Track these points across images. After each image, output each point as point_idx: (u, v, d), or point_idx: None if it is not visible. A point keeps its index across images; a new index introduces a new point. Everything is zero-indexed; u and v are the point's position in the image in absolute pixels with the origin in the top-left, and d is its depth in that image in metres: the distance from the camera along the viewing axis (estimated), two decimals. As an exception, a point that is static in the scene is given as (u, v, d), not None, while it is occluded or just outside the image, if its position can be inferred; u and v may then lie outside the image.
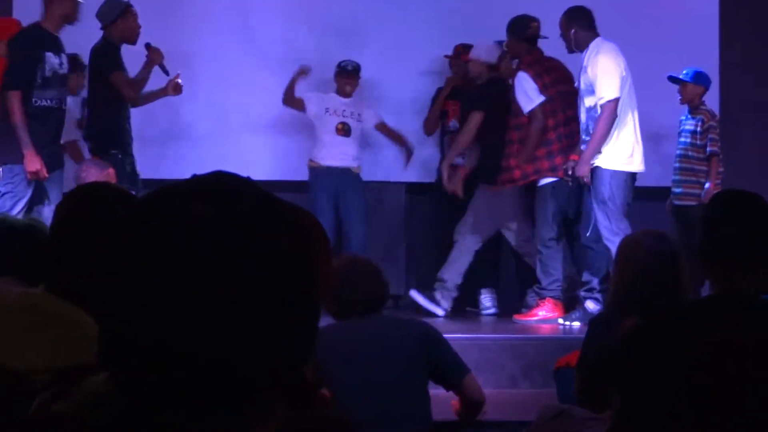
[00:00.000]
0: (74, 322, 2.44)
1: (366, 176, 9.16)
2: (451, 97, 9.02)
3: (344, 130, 8.92)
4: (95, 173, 6.77)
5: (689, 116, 8.37)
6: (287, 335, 1.26)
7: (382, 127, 9.12)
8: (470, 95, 8.68)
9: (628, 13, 9.39)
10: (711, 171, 8.20)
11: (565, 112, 8.04)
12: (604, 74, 7.66)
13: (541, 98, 8.00)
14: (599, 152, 7.65)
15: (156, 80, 8.07)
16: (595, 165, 7.68)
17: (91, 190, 2.79)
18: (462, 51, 8.93)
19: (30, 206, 7.23)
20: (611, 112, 7.61)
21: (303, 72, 8.88)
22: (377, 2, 9.60)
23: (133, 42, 8.01)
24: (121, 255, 1.26)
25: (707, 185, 8.10)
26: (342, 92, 9.00)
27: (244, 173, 1.33)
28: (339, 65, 8.98)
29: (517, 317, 8.29)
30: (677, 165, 8.36)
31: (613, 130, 7.66)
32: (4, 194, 7.18)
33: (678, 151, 8.37)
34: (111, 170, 7.10)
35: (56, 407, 1.35)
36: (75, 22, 7.53)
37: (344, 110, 8.94)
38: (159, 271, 1.23)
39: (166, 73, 8.11)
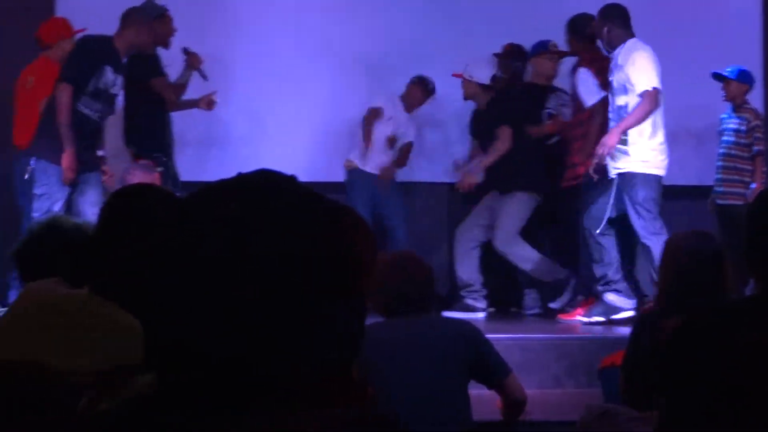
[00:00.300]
0: (118, 323, 2.45)
1: (409, 177, 9.15)
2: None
3: (391, 143, 8.87)
4: (140, 176, 6.81)
5: (733, 115, 8.30)
6: (330, 331, 1.26)
7: (406, 148, 9.02)
8: (500, 107, 8.62)
9: (669, 10, 9.32)
10: (756, 170, 8.12)
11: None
12: (643, 68, 7.55)
13: (602, 93, 7.95)
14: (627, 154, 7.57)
15: (196, 85, 8.15)
16: (627, 170, 7.59)
17: (135, 192, 2.81)
18: (511, 50, 8.86)
19: (68, 207, 7.29)
20: (653, 99, 7.51)
21: (377, 115, 8.78)
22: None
23: (167, 46, 8.08)
24: (150, 255, 1.27)
25: (753, 185, 8.02)
26: (410, 104, 8.95)
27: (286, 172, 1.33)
28: (422, 80, 8.92)
29: (561, 317, 8.27)
30: (720, 164, 8.28)
31: (650, 133, 7.59)
32: (40, 196, 7.23)
33: (721, 150, 8.28)
34: (157, 174, 7.14)
35: (102, 406, 1.35)
36: (145, 49, 7.65)
37: (401, 123, 8.90)
38: (182, 270, 1.23)
39: (205, 77, 8.19)
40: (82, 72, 7.23)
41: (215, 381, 1.24)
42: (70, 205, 7.35)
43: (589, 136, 8.01)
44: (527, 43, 8.73)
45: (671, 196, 8.59)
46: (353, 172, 8.80)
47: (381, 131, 8.80)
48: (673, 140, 8.30)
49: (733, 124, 8.27)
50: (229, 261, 1.22)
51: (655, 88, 7.54)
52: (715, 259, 4.21)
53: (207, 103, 8.20)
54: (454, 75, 8.71)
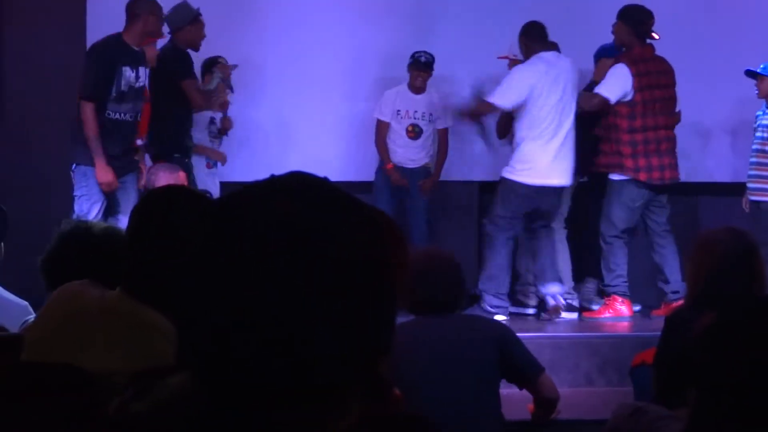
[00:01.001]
0: (151, 324, 2.47)
1: (441, 175, 9.13)
2: None
3: (414, 132, 8.81)
4: (165, 176, 6.83)
5: (766, 111, 8.27)
6: (361, 333, 1.27)
7: (443, 135, 8.96)
8: None
9: (702, 8, 9.27)
10: None
11: (656, 116, 8.04)
12: (505, 80, 8.04)
13: (614, 98, 8.02)
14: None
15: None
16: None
17: (164, 193, 2.82)
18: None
19: (107, 210, 7.33)
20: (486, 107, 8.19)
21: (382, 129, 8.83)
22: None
23: (197, 49, 8.11)
24: (183, 257, 1.27)
25: None
26: (413, 86, 8.81)
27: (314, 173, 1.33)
28: (413, 56, 8.78)
29: (586, 315, 8.26)
30: (753, 160, 8.26)
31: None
32: (80, 197, 7.28)
33: (754, 146, 8.27)
34: (182, 173, 7.16)
35: (135, 408, 1.36)
36: (158, 38, 7.65)
37: (416, 111, 8.81)
38: (216, 271, 1.24)
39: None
40: (99, 83, 7.24)
41: (247, 381, 1.24)
42: (110, 207, 7.39)
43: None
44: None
45: (707, 192, 8.59)
46: (382, 169, 8.80)
47: (400, 125, 8.80)
48: (707, 137, 8.31)
49: (766, 120, 8.24)
50: (263, 262, 1.23)
51: (491, 103, 8.05)
52: (747, 255, 4.18)
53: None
54: (499, 57, 8.69)
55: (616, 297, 8.10)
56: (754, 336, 2.44)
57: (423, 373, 4.24)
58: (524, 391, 4.58)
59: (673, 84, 8.18)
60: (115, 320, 2.50)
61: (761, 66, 8.27)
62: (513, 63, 8.50)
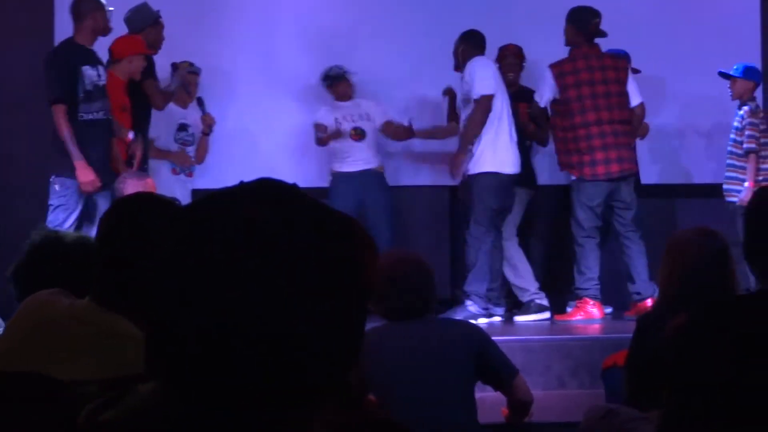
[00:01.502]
0: (120, 332, 2.46)
1: (410, 180, 9.14)
2: (518, 99, 8.81)
3: (358, 134, 8.88)
4: (133, 184, 6.81)
5: (737, 112, 8.35)
6: (333, 338, 1.26)
7: (389, 126, 9.02)
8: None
9: (678, 10, 9.31)
10: (749, 169, 8.15)
11: (598, 111, 8.07)
12: (475, 77, 8.03)
13: (543, 101, 8.23)
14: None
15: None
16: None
17: (132, 201, 2.81)
18: (516, 50, 8.96)
19: (80, 223, 7.29)
20: (485, 105, 8.02)
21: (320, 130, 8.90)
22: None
23: (157, 51, 8.12)
24: (153, 263, 1.27)
25: (746, 183, 8.05)
26: (340, 96, 9.00)
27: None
28: (327, 75, 8.98)
29: (558, 318, 8.30)
30: (726, 161, 8.35)
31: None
32: (56, 207, 7.25)
33: (728, 148, 8.36)
34: (150, 180, 7.14)
35: (104, 417, 1.35)
36: (107, 34, 7.62)
37: (352, 114, 8.92)
38: (185, 277, 1.24)
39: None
40: (64, 85, 7.22)
41: (215, 387, 1.24)
42: (90, 214, 7.35)
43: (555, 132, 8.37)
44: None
45: (684, 194, 8.64)
46: (336, 176, 8.84)
47: (341, 137, 8.86)
48: (684, 138, 8.37)
49: (736, 121, 8.32)
50: (234, 267, 1.23)
51: (483, 95, 8.00)
52: (718, 255, 4.20)
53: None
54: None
55: (588, 300, 8.13)
56: (725, 334, 2.44)
57: (398, 377, 4.24)
58: (498, 394, 4.58)
59: (623, 80, 8.21)
60: (85, 329, 2.49)
61: (734, 68, 8.34)
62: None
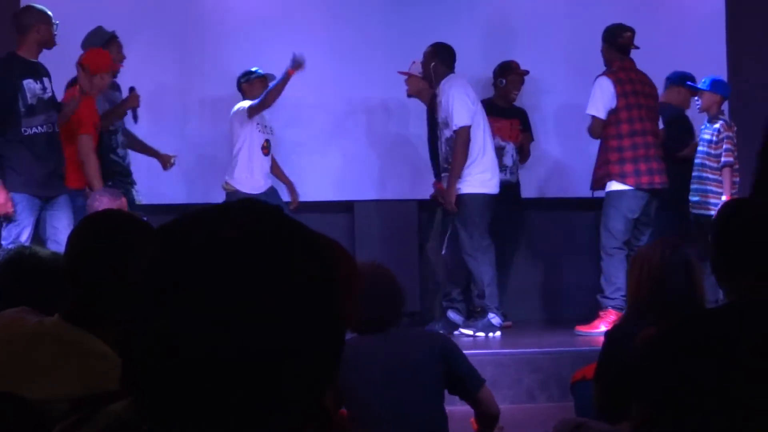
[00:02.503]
0: (90, 350, 2.44)
1: (376, 194, 9.15)
2: (495, 114, 8.89)
3: (267, 148, 8.71)
4: (107, 202, 6.79)
5: (707, 125, 8.41)
6: (310, 360, 1.27)
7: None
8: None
9: (640, 20, 9.38)
10: (725, 182, 8.20)
11: (642, 122, 8.17)
12: (456, 106, 8.17)
13: (602, 113, 8.23)
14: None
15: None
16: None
17: (102, 218, 2.80)
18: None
19: (36, 234, 7.26)
20: (465, 136, 8.17)
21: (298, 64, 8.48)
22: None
23: (115, 74, 8.07)
24: (146, 279, 1.26)
25: (724, 197, 8.08)
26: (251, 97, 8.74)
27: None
28: (250, 74, 8.84)
29: (579, 329, 8.31)
30: (695, 173, 8.38)
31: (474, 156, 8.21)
32: (7, 224, 7.21)
33: (696, 160, 8.40)
34: (124, 199, 7.12)
35: (76, 435, 1.35)
36: (52, 47, 7.57)
37: (266, 125, 8.73)
38: (186, 293, 1.24)
39: (135, 119, 8.22)
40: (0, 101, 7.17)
41: (189, 407, 1.24)
42: (43, 230, 7.33)
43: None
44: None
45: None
46: (231, 195, 8.50)
47: (257, 142, 8.64)
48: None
49: (707, 134, 8.37)
50: (212, 287, 1.22)
51: (462, 127, 8.15)
52: (684, 267, 4.22)
53: (167, 162, 8.50)
54: (399, 72, 8.78)
55: (612, 311, 8.12)
56: (694, 348, 2.46)
57: (370, 390, 4.23)
58: (468, 407, 4.59)
59: (656, 96, 8.36)
60: (54, 347, 2.47)
61: (702, 81, 8.42)
62: (410, 79, 8.67)
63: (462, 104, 8.19)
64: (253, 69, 8.80)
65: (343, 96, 9.27)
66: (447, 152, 8.31)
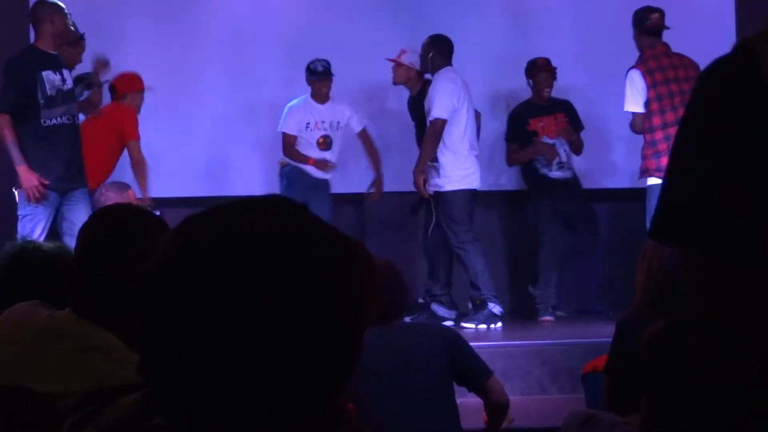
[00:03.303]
0: (101, 344, 2.45)
1: (388, 186, 9.14)
2: (536, 114, 8.89)
3: (326, 143, 8.80)
4: (114, 196, 6.81)
5: None
6: (327, 360, 1.27)
7: (363, 136, 9.01)
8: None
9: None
10: None
11: (675, 111, 7.87)
12: (436, 97, 8.26)
13: (639, 107, 8.09)
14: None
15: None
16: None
17: (111, 213, 2.80)
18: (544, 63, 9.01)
19: (54, 228, 7.27)
20: (437, 128, 8.25)
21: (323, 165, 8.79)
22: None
23: (72, 69, 8.08)
24: (163, 270, 1.27)
25: None
26: (318, 96, 8.81)
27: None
28: (309, 67, 8.79)
29: None
30: None
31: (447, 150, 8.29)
32: (23, 217, 7.22)
33: None
34: (131, 192, 7.13)
35: (87, 429, 1.35)
36: (69, 39, 7.60)
37: (323, 121, 8.79)
38: (204, 288, 1.24)
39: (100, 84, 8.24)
40: (15, 95, 7.18)
41: (199, 404, 1.24)
42: (60, 225, 7.34)
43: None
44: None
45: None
46: (285, 168, 8.82)
47: (311, 138, 8.77)
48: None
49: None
50: (231, 282, 1.23)
51: (437, 119, 8.19)
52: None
53: (101, 65, 8.25)
54: (388, 59, 8.76)
55: None
56: (704, 339, 2.45)
57: (377, 384, 4.23)
58: (480, 400, 4.59)
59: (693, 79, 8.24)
60: (65, 341, 2.48)
61: None
62: (399, 68, 8.66)
63: (444, 97, 8.24)
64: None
65: (352, 86, 9.23)
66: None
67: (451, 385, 4.44)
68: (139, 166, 7.94)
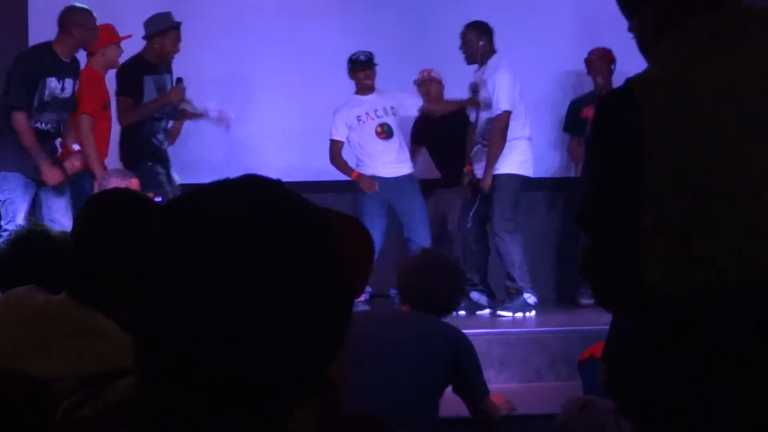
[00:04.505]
0: (97, 328, 2.45)
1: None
2: (588, 103, 8.85)
3: (384, 131, 8.52)
4: (116, 182, 6.80)
5: None
6: (312, 335, 1.27)
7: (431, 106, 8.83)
8: None
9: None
10: None
11: None
12: (503, 88, 8.17)
13: None
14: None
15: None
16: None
17: (108, 197, 2.80)
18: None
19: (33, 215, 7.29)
20: (506, 121, 8.19)
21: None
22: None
23: (165, 62, 8.04)
24: (149, 254, 1.27)
25: None
26: (364, 87, 8.58)
27: (280, 176, 1.34)
28: (351, 59, 8.59)
29: None
30: None
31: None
32: (3, 202, 7.23)
33: None
34: (134, 180, 7.12)
35: (83, 412, 1.35)
36: (93, 44, 7.59)
37: (376, 110, 8.53)
38: (165, 271, 1.24)
39: (177, 117, 8.25)
40: (26, 92, 7.19)
41: (197, 382, 1.24)
42: (38, 211, 7.35)
43: None
44: None
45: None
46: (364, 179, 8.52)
47: (367, 130, 8.53)
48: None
49: None
50: (216, 261, 1.22)
51: (506, 111, 8.18)
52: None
53: (221, 120, 8.38)
54: (417, 83, 8.90)
55: None
56: (698, 329, 2.45)
57: (368, 366, 4.21)
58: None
59: None
60: (61, 325, 2.48)
61: None
62: (428, 84, 8.67)
63: (509, 88, 8.17)
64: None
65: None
66: (484, 129, 8.30)
67: (445, 382, 4.45)
68: (84, 142, 7.57)
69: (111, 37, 7.81)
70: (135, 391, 1.31)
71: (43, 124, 7.29)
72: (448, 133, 8.85)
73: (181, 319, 1.23)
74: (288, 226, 1.26)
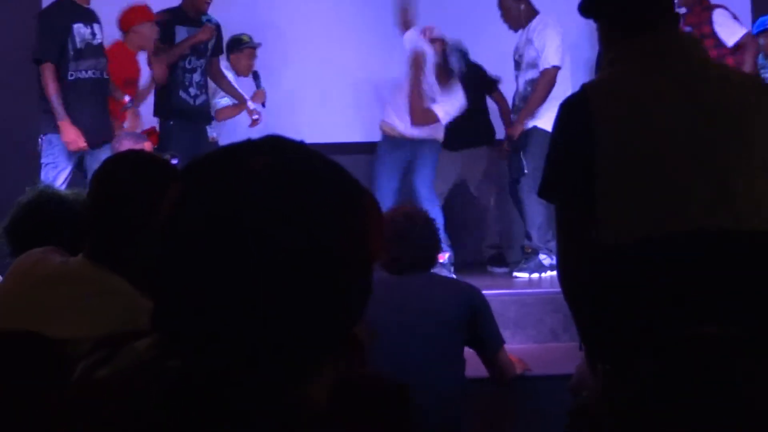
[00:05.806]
0: (114, 290, 2.45)
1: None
2: None
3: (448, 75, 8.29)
4: (129, 145, 6.78)
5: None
6: (333, 298, 1.26)
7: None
8: None
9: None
10: None
11: None
12: (551, 45, 7.99)
13: (744, 29, 8.16)
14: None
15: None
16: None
17: (123, 159, 2.80)
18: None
19: (75, 181, 7.26)
20: (553, 77, 7.97)
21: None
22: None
23: (201, 12, 8.02)
24: (170, 215, 1.26)
25: None
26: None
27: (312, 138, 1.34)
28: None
29: None
30: None
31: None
32: (46, 165, 7.21)
33: None
34: (147, 143, 7.09)
35: (99, 374, 1.35)
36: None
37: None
38: (182, 235, 1.23)
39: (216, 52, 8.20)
40: (52, 44, 7.15)
41: (215, 346, 1.24)
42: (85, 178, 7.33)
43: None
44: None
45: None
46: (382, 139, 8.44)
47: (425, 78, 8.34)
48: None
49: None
50: (234, 225, 1.22)
51: (555, 67, 7.95)
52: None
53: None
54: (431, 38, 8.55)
55: None
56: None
57: (389, 330, 4.23)
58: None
59: None
60: (78, 286, 2.48)
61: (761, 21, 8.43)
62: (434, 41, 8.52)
63: (558, 43, 7.98)
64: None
65: (375, 38, 9.18)
66: (526, 91, 8.11)
67: (464, 340, 4.45)
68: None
69: (144, 15, 7.81)
70: (152, 352, 1.31)
71: (84, 72, 7.23)
72: (470, 96, 8.72)
73: (203, 284, 1.22)
74: (315, 185, 1.26)
